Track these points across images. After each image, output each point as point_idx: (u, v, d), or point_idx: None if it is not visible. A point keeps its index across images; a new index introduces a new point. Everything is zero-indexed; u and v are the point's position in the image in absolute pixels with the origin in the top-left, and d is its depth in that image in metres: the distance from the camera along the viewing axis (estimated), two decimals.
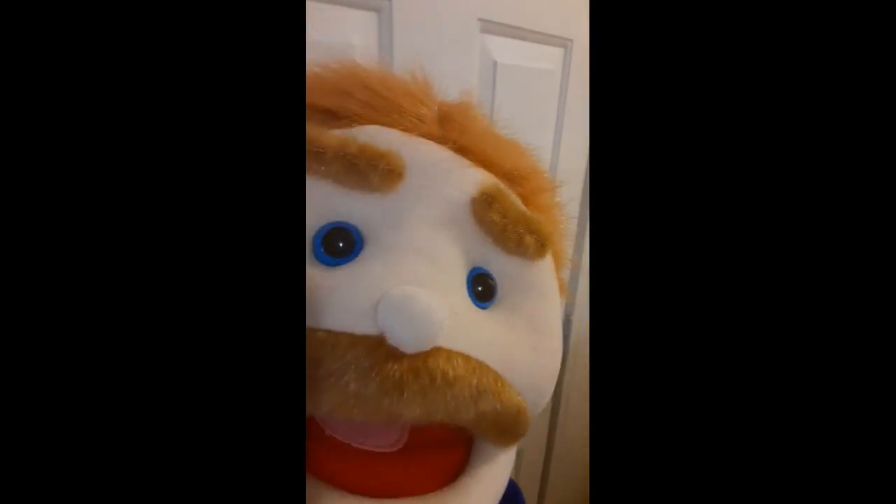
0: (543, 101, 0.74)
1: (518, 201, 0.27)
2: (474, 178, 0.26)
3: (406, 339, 0.19)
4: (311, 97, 0.25)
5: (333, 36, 0.50)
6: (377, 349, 0.19)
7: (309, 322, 0.20)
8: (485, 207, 0.24)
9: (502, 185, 0.26)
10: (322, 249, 0.23)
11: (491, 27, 0.62)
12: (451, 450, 0.26)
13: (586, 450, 1.16)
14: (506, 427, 0.24)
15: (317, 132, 0.23)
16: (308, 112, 0.25)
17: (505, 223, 0.25)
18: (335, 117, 0.26)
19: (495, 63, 0.64)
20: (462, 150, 0.26)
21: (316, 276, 0.21)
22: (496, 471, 0.26)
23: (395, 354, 0.19)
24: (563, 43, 0.72)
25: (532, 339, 0.26)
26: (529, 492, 1.09)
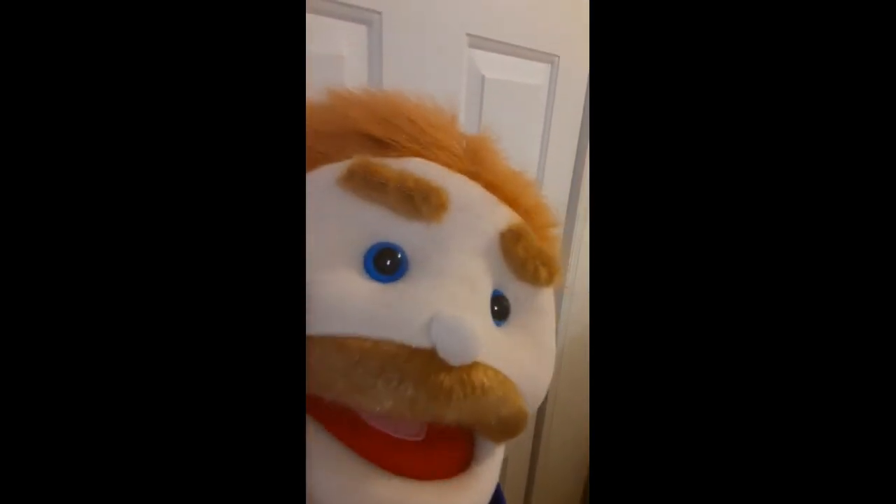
0: (530, 116, 0.75)
1: (535, 237, 0.31)
2: (503, 216, 0.30)
3: (455, 354, 0.24)
4: (358, 124, 0.29)
5: (323, 47, 0.50)
6: (431, 362, 0.24)
7: (363, 330, 0.24)
8: (512, 242, 0.29)
9: (525, 223, 0.31)
10: (373, 266, 0.27)
11: (479, 42, 0.63)
12: (459, 443, 0.30)
13: (570, 455, 1.17)
14: (512, 429, 0.28)
15: (378, 164, 0.27)
16: (356, 138, 0.29)
17: (526, 257, 0.29)
18: (382, 146, 0.29)
19: (483, 78, 0.65)
20: (490, 186, 0.31)
21: (369, 288, 0.26)
22: (496, 462, 0.31)
23: (444, 367, 0.24)
24: (550, 59, 0.73)
25: (535, 353, 0.31)
26: (515, 496, 1.09)
